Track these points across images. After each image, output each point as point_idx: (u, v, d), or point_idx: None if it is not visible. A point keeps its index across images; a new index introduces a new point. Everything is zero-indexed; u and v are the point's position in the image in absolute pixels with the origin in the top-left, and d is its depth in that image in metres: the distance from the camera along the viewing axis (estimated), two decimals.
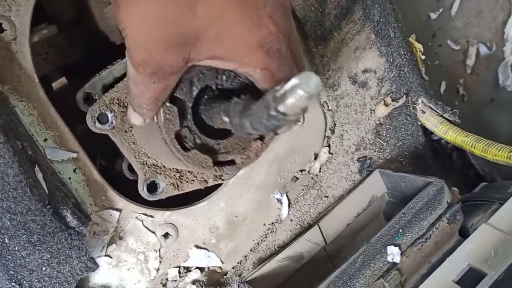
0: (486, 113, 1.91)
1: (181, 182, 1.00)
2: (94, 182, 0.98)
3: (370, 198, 1.20)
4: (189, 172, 1.00)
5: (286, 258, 1.12)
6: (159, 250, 1.05)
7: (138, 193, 1.08)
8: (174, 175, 1.00)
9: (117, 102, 0.96)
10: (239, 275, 1.12)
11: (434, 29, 1.75)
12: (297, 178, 1.17)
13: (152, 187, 1.01)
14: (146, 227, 1.03)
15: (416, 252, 0.99)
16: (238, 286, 1.09)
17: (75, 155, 0.96)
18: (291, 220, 1.17)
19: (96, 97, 1.03)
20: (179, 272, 1.07)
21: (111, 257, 1.01)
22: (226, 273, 1.12)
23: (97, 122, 0.96)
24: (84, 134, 1.09)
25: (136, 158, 0.99)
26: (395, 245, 0.97)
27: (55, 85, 1.38)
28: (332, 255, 1.15)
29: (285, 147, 1.15)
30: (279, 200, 1.15)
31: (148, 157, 0.99)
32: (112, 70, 1.05)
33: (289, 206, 1.16)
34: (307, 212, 1.18)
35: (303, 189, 1.18)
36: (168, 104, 0.77)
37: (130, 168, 1.07)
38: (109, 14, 1.13)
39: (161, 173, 1.00)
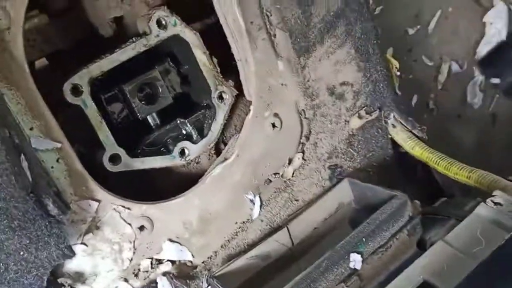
0: (453, 127, 2.01)
1: None
2: (75, 172, 1.01)
3: (337, 205, 1.27)
4: None
5: (254, 256, 1.17)
6: (134, 241, 1.09)
7: (117, 184, 1.11)
8: None
9: None
10: (208, 270, 1.17)
11: (411, 44, 1.83)
12: (271, 181, 1.23)
13: None
14: (122, 219, 1.07)
15: (376, 260, 1.06)
16: (207, 280, 1.14)
17: (59, 145, 0.98)
18: (262, 221, 1.22)
19: (83, 89, 1.06)
20: (151, 264, 1.12)
21: (86, 246, 1.04)
22: (196, 267, 1.16)
23: None
24: (66, 122, 1.11)
25: None
26: (358, 253, 1.03)
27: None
28: (298, 256, 1.21)
29: (261, 150, 1.20)
30: (251, 201, 1.21)
31: None
32: (100, 64, 1.08)
33: (260, 207, 1.21)
34: (277, 214, 1.24)
35: (275, 192, 1.24)
36: None
37: (111, 159, 1.11)
38: (100, 6, 1.15)
39: None
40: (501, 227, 0.90)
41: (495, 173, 1.25)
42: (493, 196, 1.00)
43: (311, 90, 1.24)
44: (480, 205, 0.98)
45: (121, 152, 1.11)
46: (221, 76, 1.21)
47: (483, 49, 1.98)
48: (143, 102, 1.17)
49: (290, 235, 1.21)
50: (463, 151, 2.04)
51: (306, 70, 1.22)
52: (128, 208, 1.07)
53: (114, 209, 1.06)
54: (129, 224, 1.08)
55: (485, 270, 0.76)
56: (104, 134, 1.09)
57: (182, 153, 1.19)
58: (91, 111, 1.07)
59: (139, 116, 1.17)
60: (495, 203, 0.97)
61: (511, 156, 2.11)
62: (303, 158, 1.26)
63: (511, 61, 1.93)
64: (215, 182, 1.17)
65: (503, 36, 1.99)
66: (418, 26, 1.82)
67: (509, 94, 1.95)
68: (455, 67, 1.95)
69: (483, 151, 2.10)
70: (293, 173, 1.25)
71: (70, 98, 1.05)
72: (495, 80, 1.97)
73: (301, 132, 1.25)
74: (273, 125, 1.21)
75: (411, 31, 1.81)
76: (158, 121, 1.21)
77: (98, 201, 1.04)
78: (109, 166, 1.10)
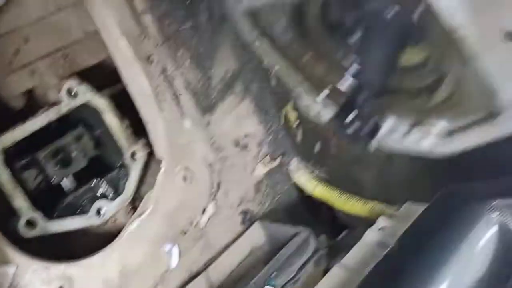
0: (354, 171, 2.19)
1: None
2: None
3: (251, 247, 1.36)
4: None
5: None
6: None
7: (34, 247, 1.14)
8: None
9: None
10: None
11: None
12: (187, 231, 1.31)
13: None
14: (41, 281, 1.09)
15: None
16: None
17: None
18: (181, 270, 1.29)
19: None
20: None
21: None
22: None
23: None
24: None
25: None
26: (271, 286, 1.13)
27: None
28: None
29: (175, 203, 1.29)
30: (169, 252, 1.27)
31: None
32: (13, 134, 1.13)
33: (178, 257, 1.28)
34: (195, 262, 1.31)
35: (192, 241, 1.32)
36: None
37: (28, 224, 1.14)
38: (11, 81, 1.21)
39: None
40: (385, 247, 1.04)
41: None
42: (378, 222, 1.14)
43: (217, 144, 1.36)
44: (368, 231, 1.12)
45: (38, 216, 1.15)
46: (133, 137, 1.30)
47: None
48: (57, 166, 1.23)
49: (208, 280, 1.28)
50: (366, 192, 2.21)
51: (211, 126, 1.34)
52: (47, 269, 1.10)
53: (32, 271, 1.08)
54: (48, 285, 1.10)
55: (369, 284, 0.88)
56: (20, 201, 1.13)
57: (98, 212, 1.25)
58: (5, 179, 1.11)
59: (54, 181, 1.22)
60: (380, 228, 1.11)
61: (408, 193, 2.31)
62: (215, 207, 1.36)
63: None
64: (133, 237, 1.23)
65: None
66: None
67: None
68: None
69: (384, 191, 2.29)
70: (207, 222, 1.34)
71: None
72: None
73: (212, 183, 1.35)
74: (185, 179, 1.31)
75: None
76: (73, 183, 1.27)
77: (15, 265, 1.06)
78: (25, 232, 1.13)
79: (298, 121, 1.64)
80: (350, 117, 0.57)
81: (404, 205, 1.21)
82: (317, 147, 2.04)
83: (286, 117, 1.59)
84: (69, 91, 1.21)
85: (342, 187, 1.54)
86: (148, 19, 1.24)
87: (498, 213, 0.90)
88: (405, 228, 1.07)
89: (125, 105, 1.31)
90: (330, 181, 1.53)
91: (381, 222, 1.13)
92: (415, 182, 2.50)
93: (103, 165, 1.32)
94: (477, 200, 0.92)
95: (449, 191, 0.98)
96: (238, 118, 1.38)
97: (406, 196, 2.33)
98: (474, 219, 0.91)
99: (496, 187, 0.96)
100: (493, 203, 0.91)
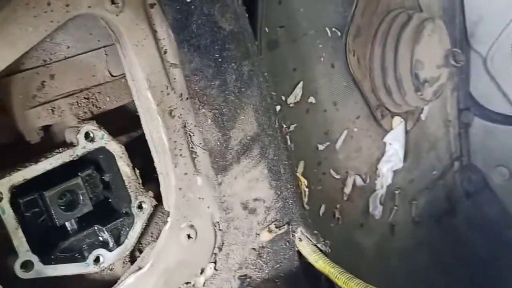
0: (356, 235, 2.18)
1: None
2: None
3: None
4: None
5: None
6: None
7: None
8: None
9: None
10: None
11: (320, 158, 2.01)
12: None
13: None
14: None
15: None
16: None
17: None
18: None
19: (3, 196, 1.08)
20: None
21: None
22: None
23: None
24: None
25: None
26: None
27: None
28: None
29: (175, 260, 1.26)
30: None
31: None
32: (24, 173, 1.11)
33: None
34: None
35: None
36: None
37: (23, 265, 1.11)
38: (30, 115, 1.20)
39: None
40: None
41: (390, 281, 1.39)
42: None
43: (226, 204, 1.34)
44: None
45: (34, 259, 1.12)
46: (142, 187, 1.28)
47: (383, 166, 2.21)
48: (62, 208, 1.20)
49: None
50: (366, 257, 2.20)
51: (223, 186, 1.32)
52: None
53: None
54: None
55: None
56: (19, 241, 1.10)
57: (96, 260, 1.21)
58: (9, 218, 1.08)
59: (57, 223, 1.19)
60: None
61: (406, 262, 2.31)
62: (214, 268, 1.32)
63: None
64: None
65: (400, 155, 2.25)
66: (328, 143, 2.02)
67: None
68: (358, 180, 2.15)
69: (383, 257, 2.27)
70: (204, 283, 1.31)
71: None
72: None
73: (215, 244, 1.33)
74: (189, 236, 1.28)
75: (320, 147, 2.00)
76: (75, 226, 1.24)
77: None
78: (20, 273, 1.10)
79: (306, 186, 1.63)
80: None
81: None
82: (322, 209, 2.03)
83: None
84: (86, 135, 1.19)
85: (344, 252, 1.51)
86: (177, 73, 1.23)
87: None
88: None
89: (138, 150, 1.30)
90: (330, 252, 1.50)
91: None
92: (415, 252, 2.48)
93: (107, 211, 1.29)
94: None
95: None
96: (250, 182, 1.37)
97: (405, 267, 2.31)
98: None
99: None
100: None
